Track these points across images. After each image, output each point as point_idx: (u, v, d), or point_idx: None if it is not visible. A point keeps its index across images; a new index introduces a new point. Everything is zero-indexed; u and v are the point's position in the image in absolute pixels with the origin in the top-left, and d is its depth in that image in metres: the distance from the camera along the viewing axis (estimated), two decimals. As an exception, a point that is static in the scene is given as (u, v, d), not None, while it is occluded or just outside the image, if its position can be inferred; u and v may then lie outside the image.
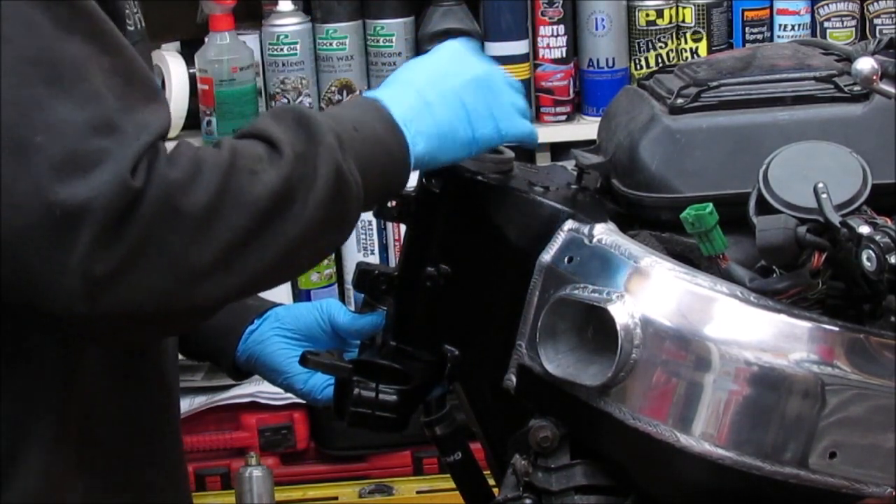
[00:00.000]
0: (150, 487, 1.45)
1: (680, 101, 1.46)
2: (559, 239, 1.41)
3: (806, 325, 1.31)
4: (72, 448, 1.35)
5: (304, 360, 1.53)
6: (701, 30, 2.99)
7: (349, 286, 3.08)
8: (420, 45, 2.93)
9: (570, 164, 1.57)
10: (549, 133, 2.97)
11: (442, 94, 1.40)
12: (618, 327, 1.31)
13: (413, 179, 1.49)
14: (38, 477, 1.31)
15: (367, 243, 3.08)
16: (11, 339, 1.29)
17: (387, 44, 2.92)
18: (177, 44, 3.00)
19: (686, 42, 3.00)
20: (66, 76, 1.16)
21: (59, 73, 1.16)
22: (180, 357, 1.61)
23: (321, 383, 1.61)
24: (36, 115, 1.14)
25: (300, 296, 3.06)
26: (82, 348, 1.34)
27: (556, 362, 1.37)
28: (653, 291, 1.34)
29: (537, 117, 3.03)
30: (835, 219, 1.29)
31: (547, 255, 1.41)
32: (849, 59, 1.49)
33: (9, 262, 1.15)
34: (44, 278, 1.15)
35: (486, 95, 1.43)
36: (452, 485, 1.60)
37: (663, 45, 2.99)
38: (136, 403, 1.42)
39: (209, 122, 2.85)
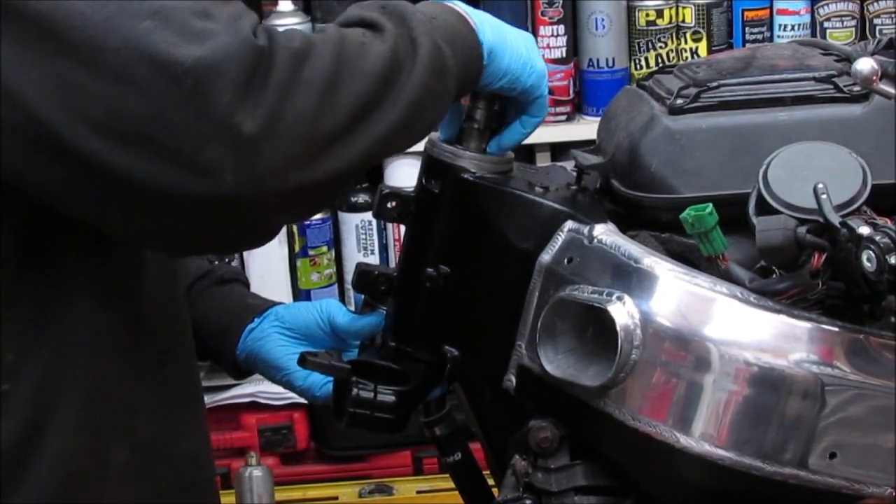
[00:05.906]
0: (185, 457, 1.46)
1: (680, 101, 1.46)
2: (559, 239, 1.41)
3: (806, 325, 1.31)
4: (107, 409, 1.35)
5: (302, 361, 1.53)
6: (701, 30, 2.99)
7: (349, 286, 3.08)
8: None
9: (570, 165, 1.57)
10: (549, 133, 2.97)
11: (496, 21, 1.47)
12: (618, 328, 1.31)
13: (413, 179, 1.50)
14: (73, 437, 1.32)
15: (367, 243, 3.08)
16: (48, 296, 1.29)
17: (386, 44, 2.91)
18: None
19: (686, 42, 3.00)
20: None
21: None
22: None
23: (320, 380, 1.61)
24: (137, 6, 1.16)
25: (300, 296, 3.05)
26: (123, 308, 1.34)
27: (556, 363, 1.37)
28: (653, 292, 1.34)
29: (537, 117, 3.02)
30: (835, 219, 1.29)
31: (547, 256, 1.41)
32: (848, 59, 1.49)
33: (151, 151, 1.16)
34: (191, 153, 1.16)
35: (532, 41, 1.50)
36: (452, 485, 1.60)
37: (663, 45, 2.99)
38: (173, 369, 1.45)
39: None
